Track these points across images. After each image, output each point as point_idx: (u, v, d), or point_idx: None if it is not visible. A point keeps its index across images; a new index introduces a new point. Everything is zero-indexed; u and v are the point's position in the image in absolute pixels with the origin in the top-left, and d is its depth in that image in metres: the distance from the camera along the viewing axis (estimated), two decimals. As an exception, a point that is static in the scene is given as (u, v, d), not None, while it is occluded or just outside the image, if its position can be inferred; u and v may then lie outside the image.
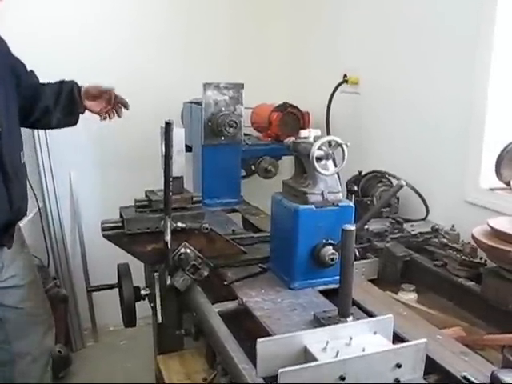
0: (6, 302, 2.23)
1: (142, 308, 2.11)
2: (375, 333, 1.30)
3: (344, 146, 1.79)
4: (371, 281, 2.10)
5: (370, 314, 1.68)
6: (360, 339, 1.26)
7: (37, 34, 3.04)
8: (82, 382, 3.17)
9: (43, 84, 2.35)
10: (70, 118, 2.37)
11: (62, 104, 2.30)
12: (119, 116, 2.42)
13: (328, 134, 3.08)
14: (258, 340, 1.20)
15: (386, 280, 2.20)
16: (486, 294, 1.86)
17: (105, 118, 2.43)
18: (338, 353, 1.19)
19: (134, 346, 3.48)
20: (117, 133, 3.00)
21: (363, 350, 1.19)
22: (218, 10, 3.66)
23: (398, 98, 2.83)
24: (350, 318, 1.50)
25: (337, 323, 1.46)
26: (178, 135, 2.03)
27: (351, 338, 1.25)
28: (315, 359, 1.18)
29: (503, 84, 2.25)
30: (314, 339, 1.25)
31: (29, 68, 2.32)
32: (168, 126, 1.73)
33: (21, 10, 3.05)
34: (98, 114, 2.39)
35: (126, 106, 2.41)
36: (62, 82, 2.33)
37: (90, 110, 2.38)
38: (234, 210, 2.97)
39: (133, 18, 3.40)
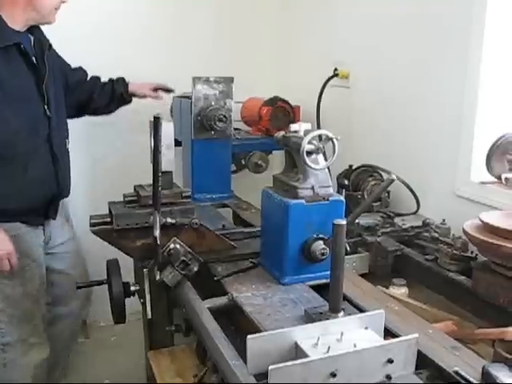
0: (57, 265, 2.65)
1: (133, 303, 2.10)
2: (366, 328, 1.29)
3: (334, 140, 1.78)
4: (362, 275, 2.10)
5: (361, 309, 1.67)
6: (351, 335, 1.26)
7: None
8: (74, 380, 3.14)
9: (96, 79, 2.83)
10: (121, 105, 2.92)
11: (114, 105, 2.87)
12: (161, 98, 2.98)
13: (318, 127, 3.07)
14: (248, 337, 1.19)
15: (377, 274, 2.19)
16: (477, 288, 1.86)
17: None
18: (329, 349, 1.19)
19: (125, 342, 3.47)
20: (106, 127, 2.97)
21: (354, 346, 1.18)
22: (206, 2, 3.63)
23: (389, 91, 2.82)
24: (341, 313, 1.49)
25: (328, 319, 1.45)
26: (168, 130, 2.01)
27: (342, 334, 1.25)
28: (306, 355, 1.17)
29: (494, 78, 2.25)
30: (305, 335, 1.24)
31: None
32: (157, 121, 1.71)
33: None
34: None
35: (168, 90, 2.99)
36: (113, 83, 2.85)
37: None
38: (225, 205, 2.96)
39: (118, 10, 3.34)
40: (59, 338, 2.77)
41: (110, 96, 2.80)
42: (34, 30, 2.36)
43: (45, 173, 2.37)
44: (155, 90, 2.92)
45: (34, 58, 2.30)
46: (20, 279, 2.40)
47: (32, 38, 2.34)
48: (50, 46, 2.43)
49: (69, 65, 2.69)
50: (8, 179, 2.27)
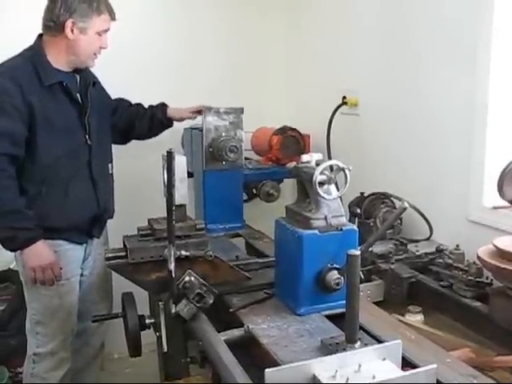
0: (85, 283, 2.77)
1: (147, 335, 2.09)
2: (384, 359, 1.29)
3: (346, 170, 1.80)
4: (377, 303, 2.09)
5: (376, 339, 1.66)
6: (369, 366, 1.26)
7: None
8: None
9: (138, 106, 3.00)
10: (163, 130, 3.07)
11: (155, 130, 3.03)
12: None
13: (329, 156, 3.09)
14: (267, 370, 1.19)
15: (391, 302, 2.19)
16: (494, 314, 1.85)
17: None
18: (347, 380, 1.19)
19: (139, 374, 3.44)
20: (118, 160, 2.99)
21: (373, 378, 1.18)
22: (216, 34, 3.68)
23: (398, 118, 2.84)
24: (358, 343, 1.48)
25: (345, 349, 1.45)
26: (181, 163, 2.03)
27: (360, 365, 1.25)
28: (325, 388, 1.17)
29: (504, 103, 2.27)
30: (323, 367, 1.24)
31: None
32: (170, 155, 1.73)
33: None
34: None
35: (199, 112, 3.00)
36: (152, 109, 3.00)
37: None
38: (238, 235, 2.97)
39: (128, 40, 3.35)
40: (81, 353, 2.89)
41: (149, 122, 2.96)
42: (81, 69, 2.59)
43: (85, 195, 2.57)
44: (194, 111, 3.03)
45: (78, 95, 2.55)
46: (58, 291, 2.55)
47: (78, 77, 2.58)
48: (95, 82, 2.67)
49: (109, 97, 2.89)
50: (51, 200, 2.46)
